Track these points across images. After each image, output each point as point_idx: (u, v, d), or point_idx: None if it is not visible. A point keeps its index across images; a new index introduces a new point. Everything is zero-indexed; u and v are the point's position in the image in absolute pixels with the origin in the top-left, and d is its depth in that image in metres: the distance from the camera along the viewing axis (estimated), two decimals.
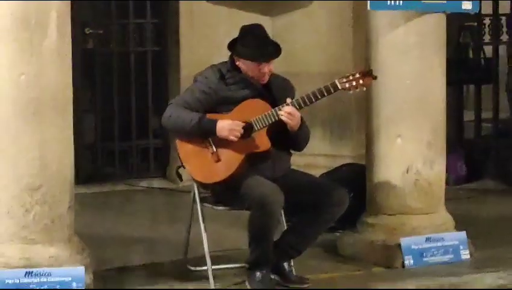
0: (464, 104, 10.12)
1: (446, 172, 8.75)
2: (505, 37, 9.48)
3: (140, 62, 9.36)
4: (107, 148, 9.52)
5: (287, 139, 5.59)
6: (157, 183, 8.98)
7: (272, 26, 9.16)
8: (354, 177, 6.80)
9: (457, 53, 9.72)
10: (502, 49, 9.58)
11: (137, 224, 7.50)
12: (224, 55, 5.78)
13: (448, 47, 9.38)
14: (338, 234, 6.59)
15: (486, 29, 9.49)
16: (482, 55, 9.65)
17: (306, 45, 9.12)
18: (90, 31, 9.37)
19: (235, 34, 5.69)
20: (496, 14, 9.45)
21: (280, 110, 5.38)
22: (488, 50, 9.71)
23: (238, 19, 8.68)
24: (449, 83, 9.44)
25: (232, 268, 5.83)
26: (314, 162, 8.29)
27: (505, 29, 9.39)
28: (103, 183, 9.12)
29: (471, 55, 9.80)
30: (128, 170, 9.40)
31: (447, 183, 8.68)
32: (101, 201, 8.60)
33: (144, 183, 9.07)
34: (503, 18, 9.40)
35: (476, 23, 9.50)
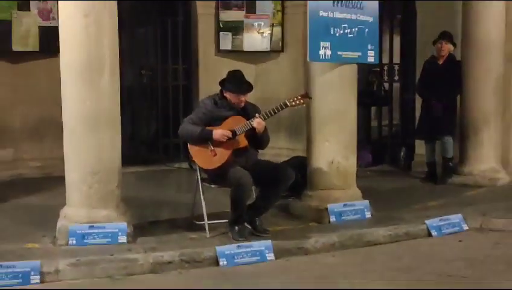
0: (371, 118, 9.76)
1: (358, 160, 8.40)
2: (396, 78, 9.02)
3: (175, 91, 8.94)
4: (155, 143, 9.11)
5: (255, 142, 5.25)
6: (184, 165, 8.45)
7: (255, 70, 8.87)
8: (301, 164, 6.24)
9: (367, 87, 9.37)
10: (395, 85, 9.09)
11: (168, 192, 7.04)
12: None
13: (361, 83, 8.98)
14: (290, 200, 6.11)
15: (385, 73, 9.06)
16: (382, 89, 9.20)
17: (275, 81, 8.66)
18: (144, 72, 9.03)
19: None
20: (391, 63, 9.01)
21: (252, 121, 5.08)
22: (386, 85, 9.28)
23: (234, 66, 8.35)
24: (362, 105, 9.14)
25: (221, 223, 5.34)
26: (280, 153, 7.84)
27: (396, 72, 8.95)
28: (152, 165, 8.63)
29: (375, 88, 9.31)
30: (167, 157, 8.85)
31: (359, 167, 8.33)
32: (149, 176, 8.11)
33: (176, 165, 8.54)
34: (396, 66, 8.95)
35: (379, 69, 9.08)
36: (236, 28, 8.74)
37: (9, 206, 6.37)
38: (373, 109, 9.63)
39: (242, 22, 8.72)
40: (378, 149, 8.92)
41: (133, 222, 5.23)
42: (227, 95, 5.21)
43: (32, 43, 7.59)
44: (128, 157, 8.75)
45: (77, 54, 4.92)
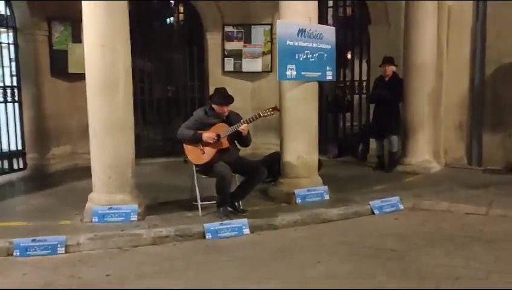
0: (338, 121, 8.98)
1: (328, 153, 7.95)
2: (356, 92, 8.27)
3: (192, 102, 8.44)
4: (177, 140, 8.27)
5: (241, 141, 4.82)
6: None
7: (252, 86, 8.40)
8: (278, 157, 5.71)
9: (334, 98, 8.71)
10: (356, 97, 8.39)
11: (178, 179, 6.35)
12: None
13: (329, 95, 8.55)
14: (271, 184, 5.61)
15: (348, 88, 8.40)
16: (346, 100, 8.59)
17: (266, 93, 8.07)
18: (170, 87, 8.56)
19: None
20: (352, 80, 8.36)
21: (239, 125, 4.63)
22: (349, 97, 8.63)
23: (235, 83, 8.07)
24: (332, 112, 8.63)
25: (211, 204, 4.93)
26: (270, 147, 7.20)
27: (356, 87, 8.23)
28: (173, 156, 7.89)
29: (341, 100, 8.68)
30: (181, 151, 8.31)
31: (329, 158, 7.86)
32: (169, 166, 7.58)
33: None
34: (356, 82, 8.26)
35: (343, 84, 8.44)
36: (237, 55, 8.30)
37: (61, 189, 6.05)
38: (340, 114, 9.05)
39: (241, 50, 8.29)
40: (343, 145, 8.36)
41: (145, 202, 4.85)
42: (214, 106, 4.78)
43: (82, 68, 7.07)
44: (159, 150, 8.52)
45: (97, 75, 4.55)
